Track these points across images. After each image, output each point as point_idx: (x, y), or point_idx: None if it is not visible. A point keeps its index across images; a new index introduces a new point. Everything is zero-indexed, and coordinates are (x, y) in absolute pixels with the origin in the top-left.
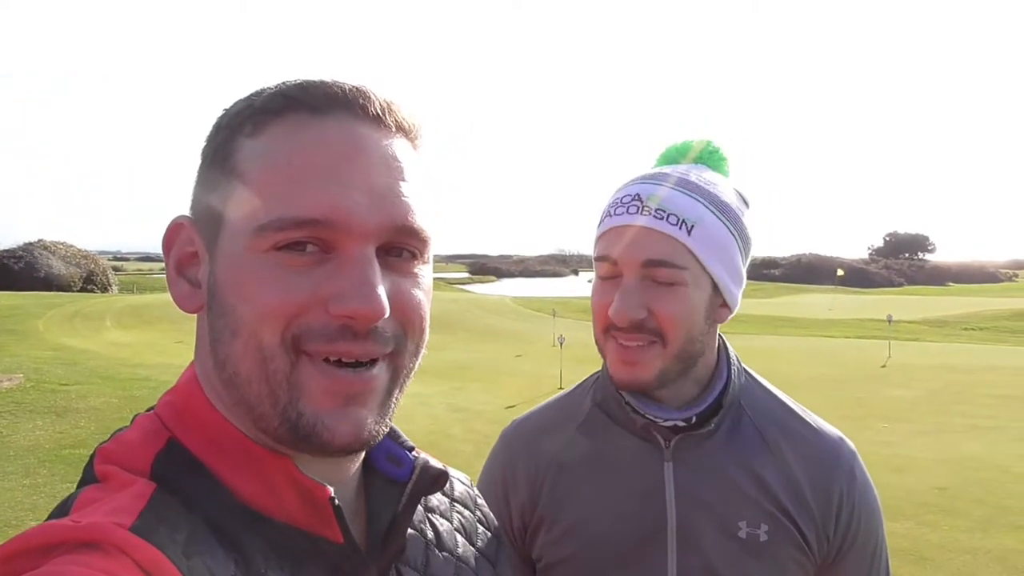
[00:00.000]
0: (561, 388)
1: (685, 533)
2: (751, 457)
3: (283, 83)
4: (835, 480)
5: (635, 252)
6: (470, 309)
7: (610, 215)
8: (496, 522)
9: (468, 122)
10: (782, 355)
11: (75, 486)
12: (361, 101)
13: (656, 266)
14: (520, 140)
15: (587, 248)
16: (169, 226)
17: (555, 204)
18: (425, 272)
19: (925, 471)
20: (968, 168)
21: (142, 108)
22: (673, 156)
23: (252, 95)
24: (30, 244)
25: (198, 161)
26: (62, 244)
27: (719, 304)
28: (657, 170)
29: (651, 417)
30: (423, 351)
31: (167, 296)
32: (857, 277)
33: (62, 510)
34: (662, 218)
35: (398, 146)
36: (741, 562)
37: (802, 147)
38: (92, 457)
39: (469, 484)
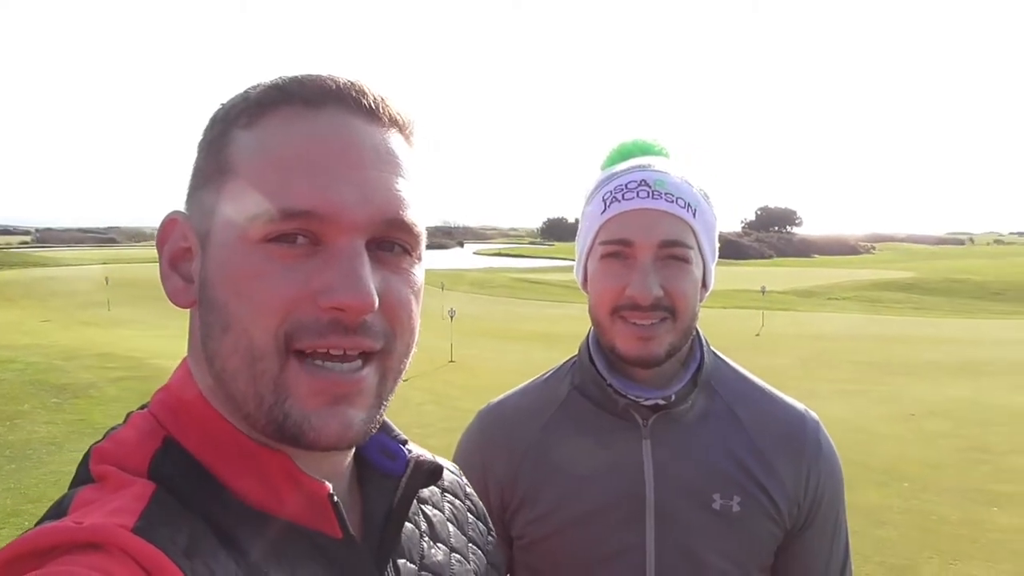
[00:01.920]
0: (453, 361)
1: (663, 508)
2: (723, 432)
3: (279, 77)
4: (803, 451)
5: (653, 232)
6: None
7: (617, 200)
8: (484, 509)
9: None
10: None
11: None
12: (355, 95)
13: (671, 246)
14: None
15: (473, 221)
16: (163, 222)
17: (440, 176)
18: (417, 269)
19: None
20: (833, 146)
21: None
22: (631, 151)
23: (249, 88)
24: None
25: (193, 155)
26: None
27: (701, 284)
28: (643, 160)
29: (633, 397)
30: (414, 350)
31: (32, 272)
32: (731, 249)
33: (58, 511)
34: (673, 201)
35: (392, 140)
36: (716, 533)
37: (683, 125)
38: (86, 456)
39: (458, 473)
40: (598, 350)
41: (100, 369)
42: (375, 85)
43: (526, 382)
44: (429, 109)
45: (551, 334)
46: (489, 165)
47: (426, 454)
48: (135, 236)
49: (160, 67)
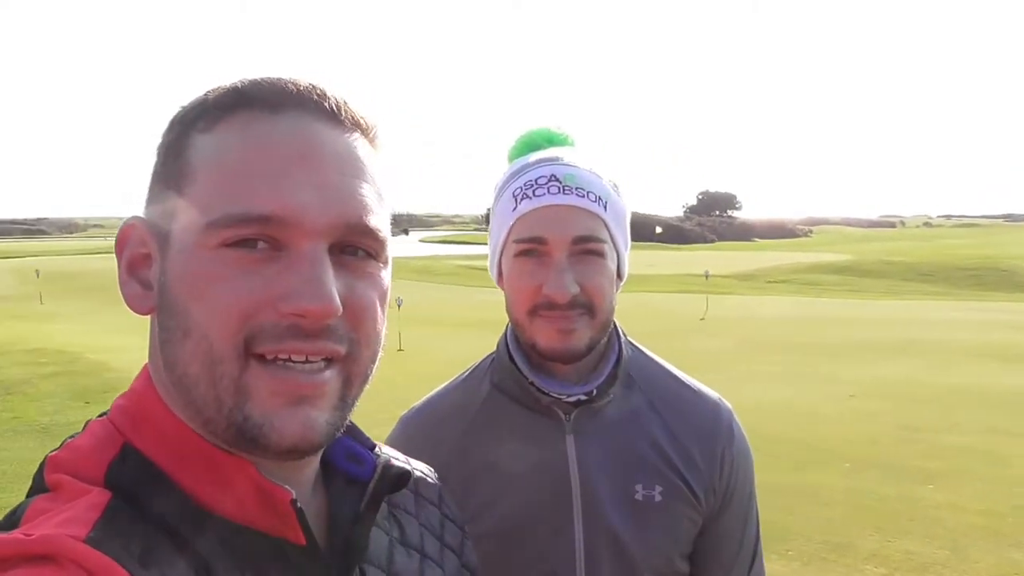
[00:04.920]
0: (401, 350)
1: (588, 500)
2: (643, 423)
3: (238, 80)
4: (718, 438)
5: (566, 229)
6: None
7: (528, 197)
8: (460, 514)
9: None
10: None
11: None
12: (316, 98)
13: (585, 241)
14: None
15: (417, 208)
16: (121, 227)
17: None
18: (383, 273)
19: (742, 416)
20: (771, 130)
21: None
22: (537, 142)
23: (208, 91)
24: None
25: (152, 158)
26: None
27: (617, 274)
28: (551, 153)
29: (555, 394)
30: (380, 355)
31: None
32: (674, 234)
33: (10, 522)
34: (584, 196)
35: (354, 143)
36: (640, 522)
37: (621, 109)
38: (42, 466)
39: (435, 479)
40: (517, 348)
41: (33, 365)
42: (337, 88)
43: (446, 383)
44: (386, 94)
45: (500, 321)
46: (432, 151)
47: (396, 458)
48: (66, 227)
49: (86, 53)
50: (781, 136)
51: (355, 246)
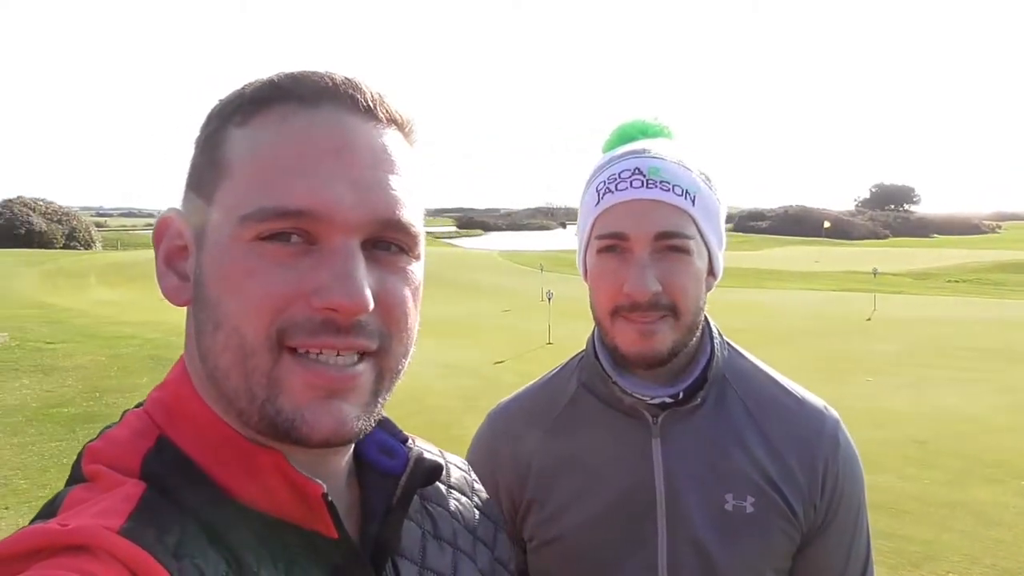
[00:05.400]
0: (550, 343)
1: (674, 508)
2: (737, 430)
3: (276, 73)
4: (820, 449)
5: (648, 225)
6: (457, 264)
7: (611, 191)
8: (493, 506)
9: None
10: (765, 308)
11: (62, 444)
12: (351, 92)
13: (668, 238)
14: (509, 93)
15: (574, 202)
16: (159, 219)
17: (542, 157)
18: (415, 268)
19: (906, 424)
20: (954, 120)
21: (125, 63)
22: (631, 134)
23: (245, 85)
24: (9, 201)
25: (191, 151)
26: (42, 201)
27: (708, 272)
28: (639, 145)
29: (638, 396)
30: (412, 351)
31: (149, 253)
32: (843, 229)
33: (49, 511)
34: (668, 190)
35: (389, 139)
36: (729, 535)
37: (790, 98)
38: (80, 455)
39: (467, 469)
40: (602, 346)
41: None
42: (373, 83)
43: (536, 379)
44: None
45: None
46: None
47: (430, 451)
48: None
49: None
50: (965, 123)
51: (388, 241)
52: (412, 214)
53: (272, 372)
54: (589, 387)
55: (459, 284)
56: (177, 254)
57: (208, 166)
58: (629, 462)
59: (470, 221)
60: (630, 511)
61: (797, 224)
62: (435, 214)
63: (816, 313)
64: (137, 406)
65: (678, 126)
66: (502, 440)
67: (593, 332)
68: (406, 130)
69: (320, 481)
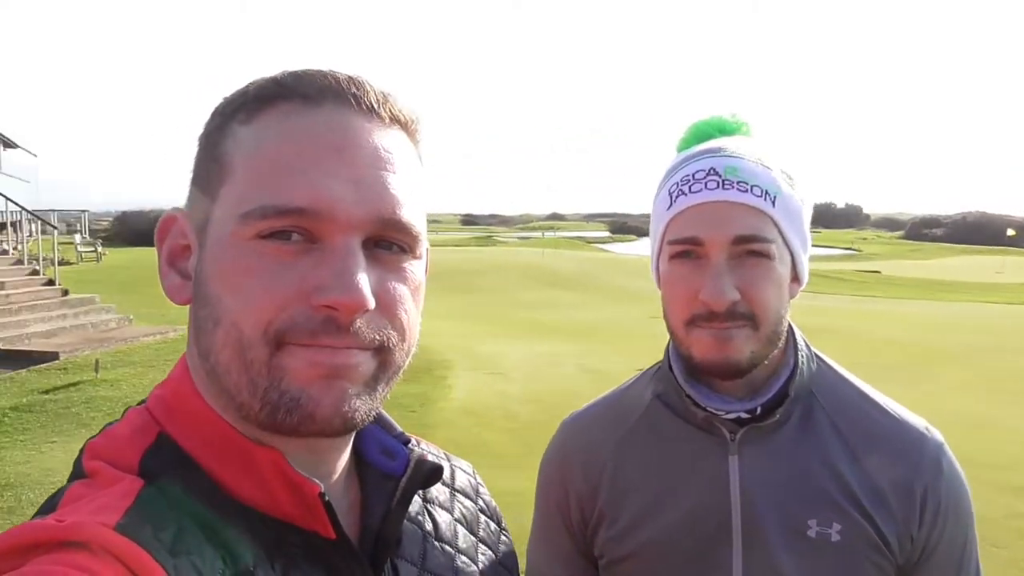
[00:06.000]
0: None
1: (751, 530)
2: (824, 450)
3: (279, 72)
4: (919, 475)
5: (725, 228)
6: (606, 269)
7: (684, 193)
8: (497, 509)
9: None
10: (935, 322)
11: None
12: (355, 91)
13: (747, 242)
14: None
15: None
16: (162, 218)
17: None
18: (416, 268)
19: None
20: None
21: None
22: (707, 131)
23: (249, 83)
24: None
25: (194, 149)
26: None
27: (792, 279)
28: (715, 143)
29: (712, 410)
30: (414, 350)
31: None
32: None
33: (48, 507)
34: (746, 190)
35: (392, 138)
36: (811, 563)
37: (969, 97)
38: (82, 451)
39: (472, 473)
40: (677, 357)
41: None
42: (377, 82)
43: (610, 389)
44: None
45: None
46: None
47: (432, 452)
48: None
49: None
50: None
51: (389, 240)
52: (413, 214)
53: (271, 361)
54: (664, 399)
55: (607, 289)
56: (180, 253)
57: (211, 163)
58: (703, 480)
59: (623, 226)
60: (704, 530)
61: (976, 231)
62: (588, 219)
63: (995, 328)
64: (140, 403)
65: (758, 123)
66: (574, 449)
67: (669, 342)
68: (410, 130)
69: (317, 481)
